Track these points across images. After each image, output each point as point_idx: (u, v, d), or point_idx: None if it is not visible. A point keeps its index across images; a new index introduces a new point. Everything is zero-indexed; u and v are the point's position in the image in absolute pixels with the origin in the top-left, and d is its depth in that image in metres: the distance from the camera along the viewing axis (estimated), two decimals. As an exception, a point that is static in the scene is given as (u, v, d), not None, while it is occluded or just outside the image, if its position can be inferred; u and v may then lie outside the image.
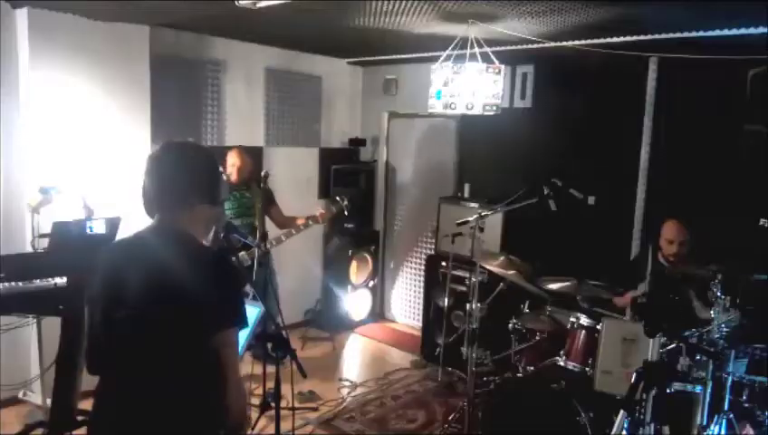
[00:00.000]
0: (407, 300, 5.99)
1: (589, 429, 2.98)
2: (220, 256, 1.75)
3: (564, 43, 4.02)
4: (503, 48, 4.05)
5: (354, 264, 5.65)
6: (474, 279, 3.84)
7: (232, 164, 4.29)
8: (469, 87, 3.60)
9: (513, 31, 3.76)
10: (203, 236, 1.81)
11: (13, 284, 3.02)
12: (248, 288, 4.09)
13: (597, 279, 3.59)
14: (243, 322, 1.69)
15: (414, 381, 4.66)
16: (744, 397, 2.75)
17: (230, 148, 4.45)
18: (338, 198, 4.35)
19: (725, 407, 2.64)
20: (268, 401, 3.81)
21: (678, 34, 3.61)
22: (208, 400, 1.67)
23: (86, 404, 3.50)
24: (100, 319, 1.71)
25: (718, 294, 2.61)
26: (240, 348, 2.21)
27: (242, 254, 4.01)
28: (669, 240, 3.45)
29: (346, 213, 4.40)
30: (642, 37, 3.73)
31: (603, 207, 4.42)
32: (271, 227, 4.46)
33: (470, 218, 3.82)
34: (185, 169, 1.74)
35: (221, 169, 1.83)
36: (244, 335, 2.24)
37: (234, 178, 4.26)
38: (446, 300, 4.60)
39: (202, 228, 1.80)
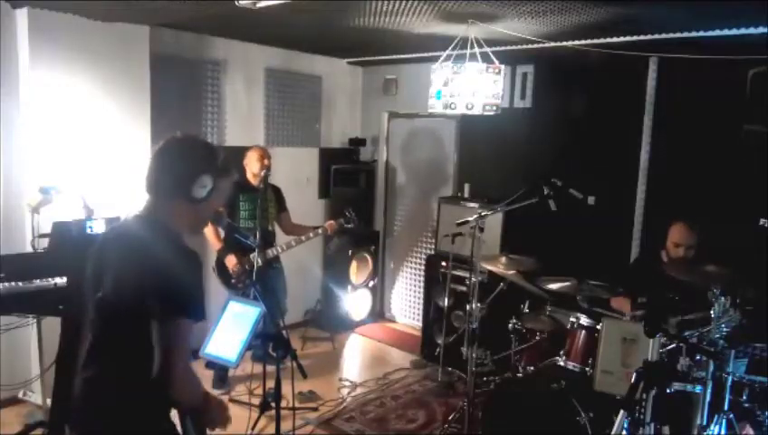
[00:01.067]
0: (407, 300, 5.99)
1: (589, 429, 2.98)
2: (186, 249, 1.74)
3: (564, 43, 4.03)
4: (503, 48, 4.05)
5: (354, 264, 5.65)
6: (474, 279, 3.84)
7: (258, 160, 4.22)
8: (469, 87, 3.60)
9: (513, 31, 3.76)
10: (186, 231, 1.81)
11: (13, 284, 3.03)
12: (245, 288, 4.12)
13: (597, 279, 3.59)
14: (194, 314, 1.67)
15: (414, 381, 4.66)
16: (744, 397, 2.76)
17: (249, 147, 4.40)
18: (347, 213, 4.39)
19: (725, 407, 2.64)
20: (268, 400, 3.81)
21: (678, 34, 3.61)
22: (146, 385, 1.66)
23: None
24: (88, 301, 1.78)
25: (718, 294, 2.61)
26: (240, 347, 2.22)
27: (253, 254, 4.01)
28: (676, 244, 3.42)
29: (351, 225, 4.43)
30: (642, 37, 3.73)
31: (603, 207, 4.42)
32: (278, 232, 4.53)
33: (470, 218, 3.82)
34: (164, 161, 1.77)
35: (213, 166, 1.79)
36: (244, 335, 2.24)
37: (259, 177, 4.18)
38: (446, 300, 4.60)
39: (184, 223, 1.80)
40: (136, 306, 1.63)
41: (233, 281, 4.14)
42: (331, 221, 4.39)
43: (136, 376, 1.67)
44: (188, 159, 1.77)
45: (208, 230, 4.05)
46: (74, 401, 1.78)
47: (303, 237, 4.34)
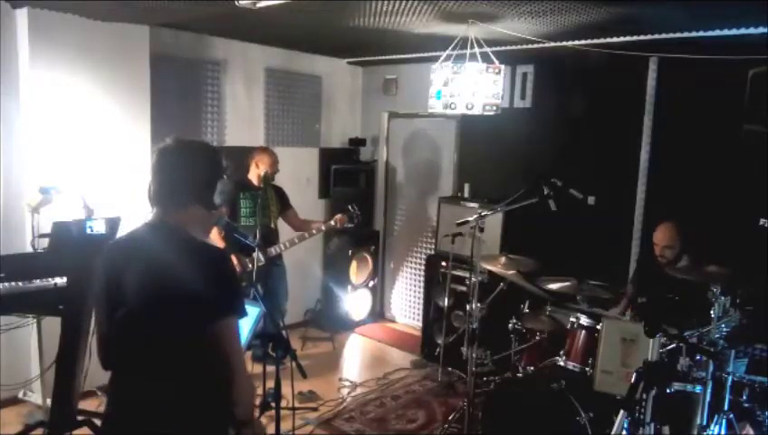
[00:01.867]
0: (407, 300, 5.99)
1: (589, 429, 2.98)
2: (215, 248, 1.74)
3: (564, 43, 4.02)
4: (503, 48, 4.05)
5: (354, 264, 5.65)
6: (474, 279, 3.84)
7: (272, 164, 4.29)
8: (469, 87, 3.60)
9: (513, 31, 3.76)
10: (199, 234, 1.80)
11: (13, 284, 3.02)
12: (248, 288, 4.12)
13: (597, 279, 3.59)
14: (240, 311, 1.69)
15: (414, 381, 4.66)
16: (744, 397, 2.76)
17: (255, 147, 4.48)
18: (351, 208, 4.42)
19: (725, 407, 2.64)
20: (268, 400, 3.80)
21: (678, 34, 3.61)
22: (212, 395, 1.66)
23: (86, 404, 3.52)
24: (104, 318, 1.73)
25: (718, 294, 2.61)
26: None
27: (254, 253, 4.02)
28: (654, 243, 3.47)
29: (354, 222, 4.46)
30: (642, 37, 3.73)
31: (603, 207, 4.41)
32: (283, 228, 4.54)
33: (470, 218, 3.82)
34: (183, 169, 1.74)
35: (224, 171, 1.81)
36: (244, 335, 2.24)
37: (263, 177, 4.23)
38: (446, 300, 4.60)
39: (197, 227, 1.79)
40: (180, 314, 1.61)
41: None
42: (340, 215, 4.41)
43: (195, 386, 1.65)
44: (206, 167, 1.76)
45: (213, 231, 4.06)
46: (126, 422, 1.73)
47: (306, 234, 4.36)
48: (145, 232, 1.75)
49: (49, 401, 3.40)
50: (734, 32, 3.43)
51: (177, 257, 1.65)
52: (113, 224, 3.25)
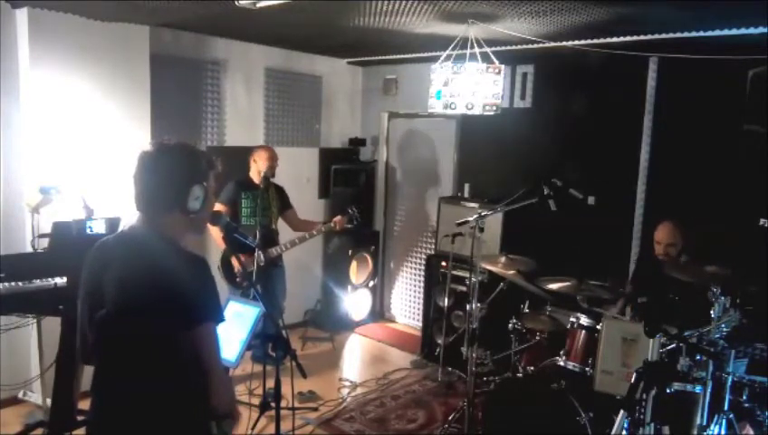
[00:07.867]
0: (407, 300, 5.99)
1: (589, 429, 2.98)
2: (194, 255, 1.73)
3: (564, 43, 4.03)
4: (503, 48, 4.05)
5: (354, 264, 5.65)
6: (474, 279, 3.84)
7: (267, 160, 4.26)
8: (469, 87, 3.60)
9: (513, 31, 3.76)
10: (183, 239, 1.79)
11: (13, 284, 3.02)
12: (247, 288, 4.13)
13: (597, 279, 3.59)
14: (217, 317, 1.68)
15: (414, 381, 4.66)
16: (744, 397, 2.75)
17: (257, 147, 4.44)
18: (350, 210, 4.43)
19: (725, 407, 2.64)
20: (268, 401, 3.81)
21: (678, 34, 3.62)
22: (187, 397, 1.66)
23: (86, 404, 3.51)
24: (87, 317, 1.74)
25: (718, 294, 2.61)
26: (240, 347, 2.21)
27: (256, 254, 4.03)
28: (657, 241, 3.48)
29: (355, 223, 4.47)
30: (642, 37, 3.73)
31: (603, 207, 4.41)
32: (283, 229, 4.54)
33: (470, 218, 3.81)
34: (158, 176, 1.73)
35: (204, 175, 1.77)
36: (244, 335, 2.24)
37: (262, 175, 4.21)
38: (446, 300, 4.61)
39: (184, 231, 1.79)
40: (156, 320, 1.61)
41: (238, 280, 4.21)
42: (340, 217, 4.41)
43: (170, 391, 1.65)
44: (177, 173, 1.73)
45: (215, 231, 4.06)
46: (101, 425, 1.74)
47: (307, 235, 4.37)
48: (129, 235, 1.76)
49: (49, 401, 3.40)
50: (734, 32, 3.43)
51: (155, 262, 1.65)
52: (113, 224, 3.26)
